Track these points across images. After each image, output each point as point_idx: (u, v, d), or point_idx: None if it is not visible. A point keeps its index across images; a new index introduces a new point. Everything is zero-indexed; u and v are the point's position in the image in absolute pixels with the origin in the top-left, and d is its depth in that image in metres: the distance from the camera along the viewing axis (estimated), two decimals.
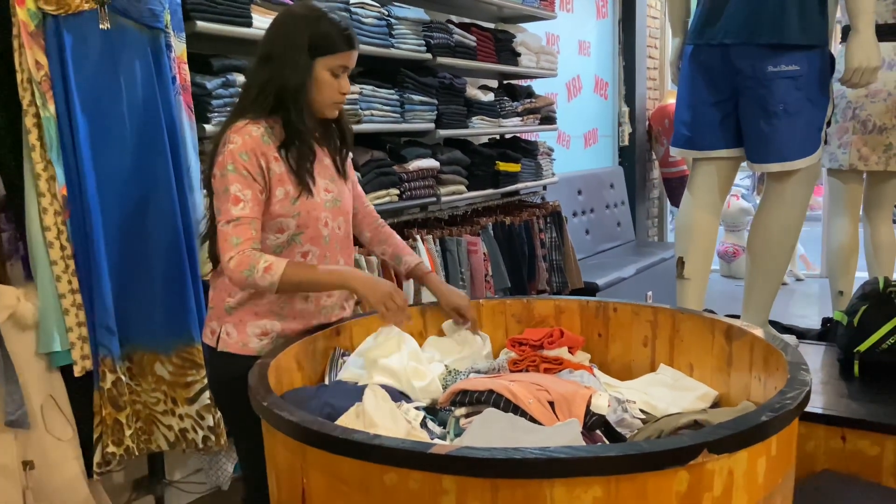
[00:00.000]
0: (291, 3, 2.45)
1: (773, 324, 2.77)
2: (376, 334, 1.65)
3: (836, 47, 2.87)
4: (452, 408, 1.41)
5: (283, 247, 1.63)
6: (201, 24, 2.19)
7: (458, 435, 1.34)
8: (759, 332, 1.48)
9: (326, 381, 1.59)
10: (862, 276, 2.73)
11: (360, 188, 1.88)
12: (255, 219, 1.55)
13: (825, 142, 2.47)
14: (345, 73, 1.62)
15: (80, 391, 1.99)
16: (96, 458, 1.98)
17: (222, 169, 1.54)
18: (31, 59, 1.81)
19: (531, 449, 0.98)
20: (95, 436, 1.98)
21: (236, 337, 1.64)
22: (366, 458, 1.04)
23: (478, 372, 1.67)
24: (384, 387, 1.45)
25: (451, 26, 3.24)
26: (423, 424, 1.38)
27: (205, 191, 1.67)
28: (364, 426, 1.28)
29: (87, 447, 2.01)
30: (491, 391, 1.35)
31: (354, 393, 1.42)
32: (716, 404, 1.52)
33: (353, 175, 1.85)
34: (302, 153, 1.61)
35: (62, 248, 1.91)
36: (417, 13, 3.05)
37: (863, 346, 2.11)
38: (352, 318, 1.76)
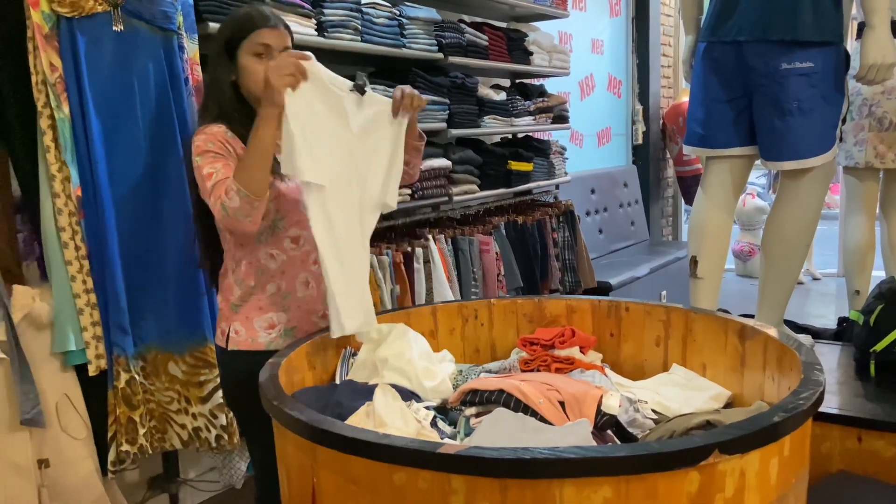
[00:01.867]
0: (303, 4, 2.46)
1: (789, 323, 2.75)
2: (386, 332, 1.66)
3: (851, 44, 2.84)
4: (463, 407, 1.41)
5: (268, 233, 1.64)
6: (214, 26, 2.20)
7: (468, 434, 1.34)
8: (772, 332, 1.47)
9: (337, 381, 1.60)
10: (879, 274, 2.70)
11: None
12: (225, 179, 1.52)
13: (840, 139, 2.45)
14: (269, 51, 1.62)
15: (95, 390, 2.01)
16: (111, 456, 2.00)
17: (196, 166, 1.56)
18: (46, 62, 1.83)
19: (541, 449, 0.98)
20: (110, 434, 2.00)
21: (245, 334, 1.65)
22: (375, 458, 1.05)
23: (489, 371, 1.67)
24: (394, 386, 1.45)
25: (462, 26, 3.23)
26: (434, 424, 1.38)
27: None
28: (374, 425, 1.28)
29: (101, 446, 2.03)
30: (501, 391, 1.35)
31: (365, 392, 1.43)
32: (729, 404, 1.51)
33: None
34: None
35: (77, 248, 1.93)
36: (429, 13, 3.05)
37: (879, 346, 2.09)
38: None
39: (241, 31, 1.63)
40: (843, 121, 2.43)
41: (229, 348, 1.66)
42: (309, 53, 1.53)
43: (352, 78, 1.59)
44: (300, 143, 1.48)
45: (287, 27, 1.68)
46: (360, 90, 1.57)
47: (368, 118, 1.60)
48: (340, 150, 1.57)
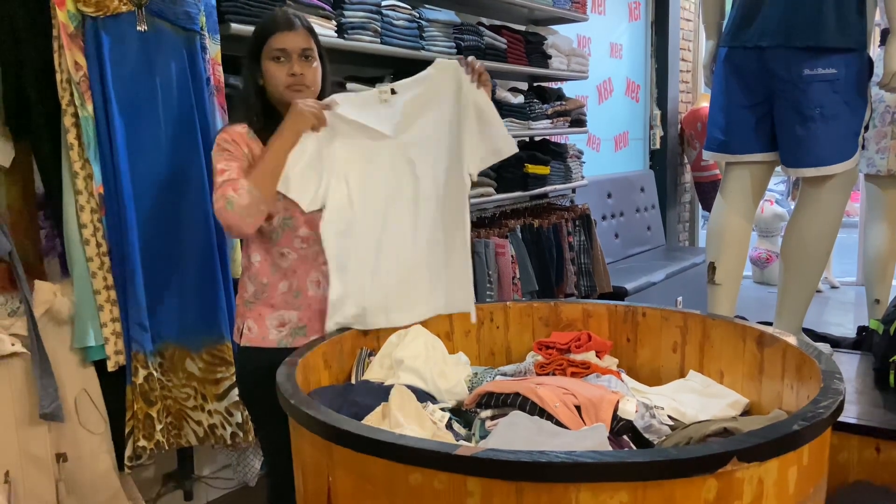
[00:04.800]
0: (323, 5, 2.48)
1: (807, 332, 2.72)
2: (403, 333, 1.66)
3: (874, 51, 2.81)
4: (478, 409, 1.41)
5: (278, 231, 1.66)
6: (235, 27, 2.22)
7: (483, 437, 1.34)
8: (791, 340, 1.45)
9: (353, 381, 1.60)
10: None
11: None
12: (237, 179, 1.59)
13: (863, 147, 2.42)
14: (287, 55, 1.65)
15: (113, 386, 2.02)
16: (127, 451, 2.02)
17: (212, 158, 1.63)
18: (71, 60, 1.85)
19: (557, 452, 0.97)
20: (127, 430, 2.02)
21: (257, 331, 1.68)
22: (391, 458, 1.05)
23: (504, 374, 1.67)
24: (410, 387, 1.45)
25: (481, 28, 3.24)
26: (449, 426, 1.38)
27: None
28: (390, 426, 1.28)
29: (118, 441, 2.05)
30: (517, 394, 1.35)
31: (381, 393, 1.43)
32: (746, 412, 1.50)
33: None
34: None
35: (98, 245, 1.95)
36: (448, 15, 3.06)
37: None
38: None
39: (262, 35, 1.67)
40: (866, 128, 2.40)
41: (242, 344, 1.69)
42: (334, 100, 1.66)
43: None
44: (298, 166, 1.62)
45: (309, 28, 1.69)
46: (388, 85, 1.69)
47: (409, 105, 1.69)
48: (369, 165, 1.68)
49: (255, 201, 1.56)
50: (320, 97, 1.72)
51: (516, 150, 1.73)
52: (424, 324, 1.74)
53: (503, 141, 1.73)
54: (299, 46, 1.66)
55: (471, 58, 1.69)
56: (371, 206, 1.68)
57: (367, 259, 1.67)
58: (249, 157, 1.63)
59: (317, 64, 1.70)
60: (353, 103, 1.68)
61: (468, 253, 1.72)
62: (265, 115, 1.67)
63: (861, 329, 2.75)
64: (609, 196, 4.91)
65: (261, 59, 1.67)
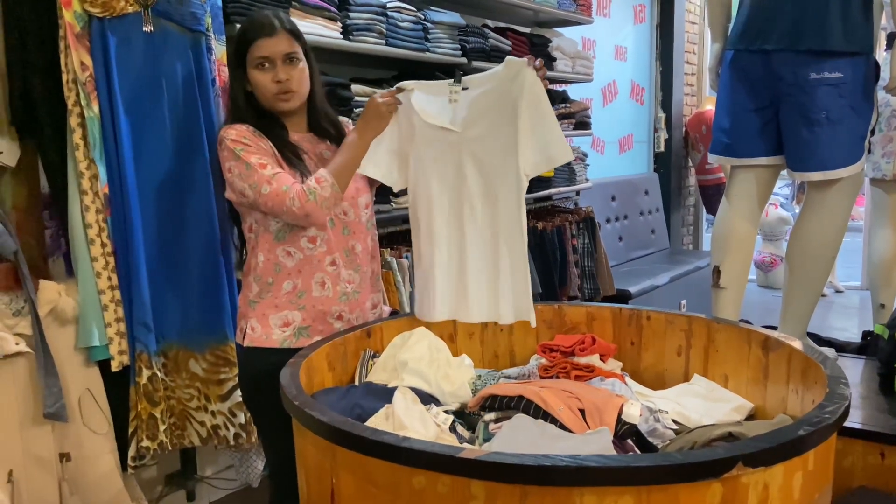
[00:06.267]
0: (329, 7, 2.48)
1: (812, 336, 2.71)
2: (407, 335, 1.66)
3: (881, 54, 2.81)
4: (482, 412, 1.41)
5: (287, 230, 1.65)
6: None
7: (487, 440, 1.33)
8: (796, 344, 1.45)
9: (356, 382, 1.60)
10: None
11: None
12: (286, 173, 1.61)
13: (868, 151, 2.42)
14: (270, 62, 1.63)
15: (117, 386, 2.03)
16: (131, 451, 2.02)
17: (233, 156, 1.60)
18: (77, 60, 1.85)
19: (561, 456, 0.97)
20: (130, 430, 2.02)
21: (260, 331, 1.67)
22: (395, 461, 1.05)
23: (508, 377, 1.67)
24: (413, 389, 1.45)
25: (486, 30, 3.24)
26: (453, 428, 1.38)
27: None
28: (393, 428, 1.28)
29: (121, 441, 2.05)
30: (521, 397, 1.34)
31: (384, 394, 1.43)
32: (751, 417, 1.50)
33: None
34: (280, 149, 1.66)
35: (103, 245, 1.95)
36: (453, 17, 3.06)
37: None
38: (382, 321, 1.77)
39: (243, 42, 1.65)
40: (872, 132, 2.40)
41: (245, 345, 1.68)
42: (406, 85, 1.68)
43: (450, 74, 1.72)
44: (375, 153, 1.71)
45: (291, 30, 1.66)
46: (459, 85, 1.68)
47: (476, 100, 1.66)
48: (434, 160, 1.69)
49: (335, 195, 1.61)
50: (311, 97, 1.72)
51: (571, 157, 1.67)
52: (427, 325, 1.74)
53: (557, 147, 1.64)
54: (282, 52, 1.63)
55: (539, 60, 1.66)
56: (435, 199, 1.70)
57: (430, 250, 1.71)
58: (271, 151, 1.63)
59: (303, 65, 1.67)
60: (426, 90, 1.68)
61: (526, 258, 1.66)
62: (260, 118, 1.67)
63: (866, 334, 2.74)
64: (613, 199, 4.90)
65: (245, 65, 1.65)
